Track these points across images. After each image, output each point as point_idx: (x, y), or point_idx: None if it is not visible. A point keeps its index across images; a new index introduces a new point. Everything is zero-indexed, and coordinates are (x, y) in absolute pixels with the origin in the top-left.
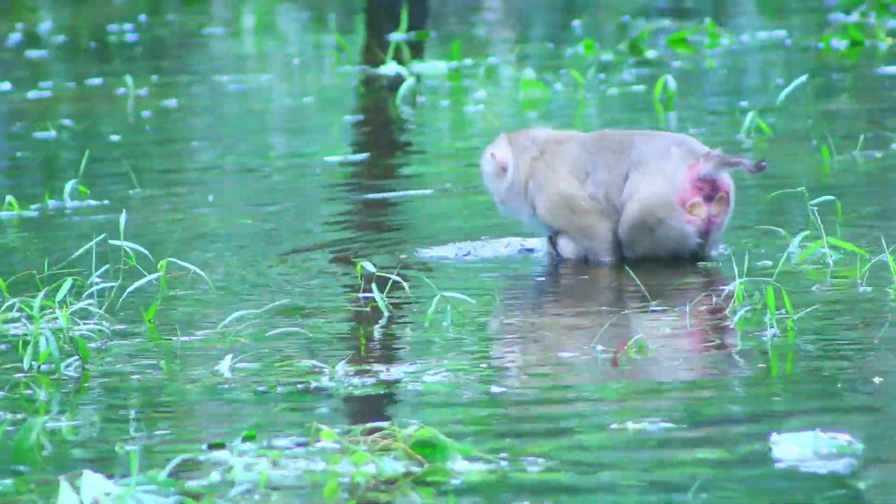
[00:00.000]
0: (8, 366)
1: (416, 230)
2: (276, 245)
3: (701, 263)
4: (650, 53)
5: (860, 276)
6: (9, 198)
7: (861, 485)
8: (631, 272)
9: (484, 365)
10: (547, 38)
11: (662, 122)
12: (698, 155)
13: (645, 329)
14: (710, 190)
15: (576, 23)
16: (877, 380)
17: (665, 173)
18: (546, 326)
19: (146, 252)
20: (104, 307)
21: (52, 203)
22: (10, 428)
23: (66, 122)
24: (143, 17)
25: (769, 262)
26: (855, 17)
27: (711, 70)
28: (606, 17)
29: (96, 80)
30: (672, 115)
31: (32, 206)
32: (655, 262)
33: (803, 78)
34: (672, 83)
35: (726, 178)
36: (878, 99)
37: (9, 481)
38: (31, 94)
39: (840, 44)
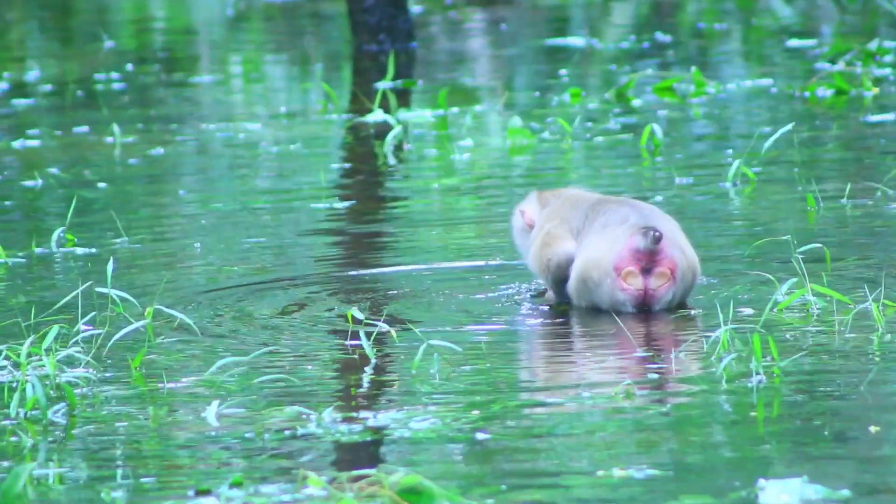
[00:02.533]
0: None
1: (408, 277)
2: (262, 292)
3: (683, 311)
4: (636, 102)
5: (844, 325)
6: None
7: None
8: (617, 319)
9: (471, 412)
10: (533, 87)
11: (648, 170)
12: (646, 222)
13: (631, 375)
14: (647, 262)
15: (562, 71)
16: (873, 429)
17: (609, 238)
18: (532, 372)
19: (133, 300)
20: (91, 354)
21: (38, 250)
22: None
23: (53, 170)
24: (129, 66)
25: (754, 310)
26: (841, 65)
27: (697, 118)
28: (593, 65)
29: (83, 129)
30: (660, 161)
31: (19, 254)
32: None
33: (789, 126)
34: (659, 131)
35: (673, 256)
36: (864, 147)
37: None
38: (18, 144)
39: (826, 92)
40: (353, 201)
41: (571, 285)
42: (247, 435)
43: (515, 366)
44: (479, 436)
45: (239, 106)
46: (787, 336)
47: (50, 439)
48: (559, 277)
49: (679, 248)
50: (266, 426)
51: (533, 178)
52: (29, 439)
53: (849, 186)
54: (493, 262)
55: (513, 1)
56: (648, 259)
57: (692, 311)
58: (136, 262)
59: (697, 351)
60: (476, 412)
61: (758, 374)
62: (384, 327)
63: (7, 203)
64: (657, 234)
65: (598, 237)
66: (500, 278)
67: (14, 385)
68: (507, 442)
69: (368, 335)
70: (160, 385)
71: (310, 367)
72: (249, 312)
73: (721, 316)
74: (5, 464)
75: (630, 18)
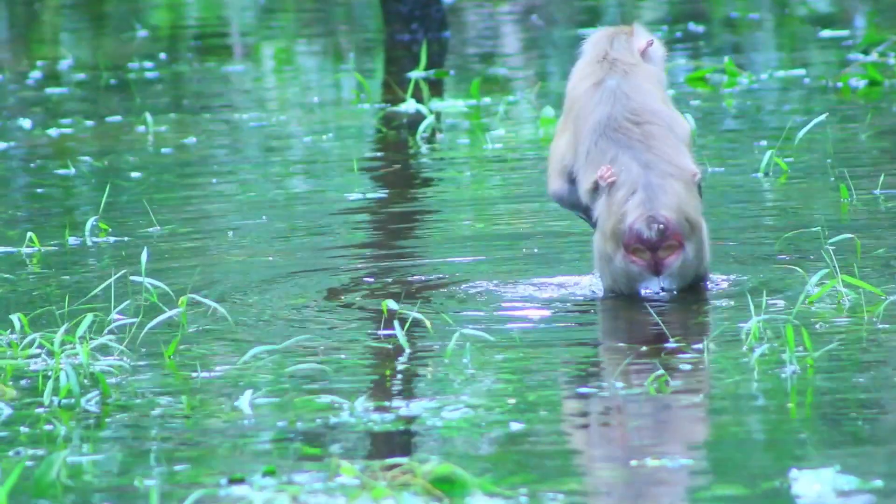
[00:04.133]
0: (29, 401)
1: (442, 265)
2: (295, 281)
3: (712, 304)
4: (669, 92)
5: (876, 315)
6: (29, 234)
7: None
8: (649, 308)
9: (504, 401)
10: (566, 76)
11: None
12: (650, 210)
13: (664, 365)
14: (658, 242)
15: None
16: None
17: (616, 213)
18: (565, 362)
19: (166, 288)
20: (125, 343)
21: (72, 240)
22: (30, 463)
23: (86, 159)
24: (163, 55)
25: (785, 301)
26: (874, 56)
27: (730, 108)
28: None
29: (116, 118)
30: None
31: (52, 242)
32: (672, 299)
33: (822, 117)
34: (691, 121)
35: (677, 227)
36: None
37: None
38: (52, 132)
39: (859, 83)
40: (386, 191)
41: (596, 263)
42: (279, 424)
43: (549, 355)
44: (513, 426)
45: (271, 95)
46: (819, 327)
47: (83, 427)
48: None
49: (681, 212)
50: (299, 415)
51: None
52: (63, 427)
53: (882, 177)
54: (526, 251)
55: None
56: (658, 240)
57: (724, 302)
58: (169, 250)
59: (730, 341)
60: (510, 402)
61: (791, 364)
62: (418, 316)
63: (40, 191)
64: (661, 226)
65: (605, 210)
66: (533, 267)
67: (48, 373)
68: (540, 432)
69: (402, 324)
70: (193, 374)
71: (343, 355)
72: (282, 301)
73: (752, 307)
74: (39, 452)
75: (663, 8)
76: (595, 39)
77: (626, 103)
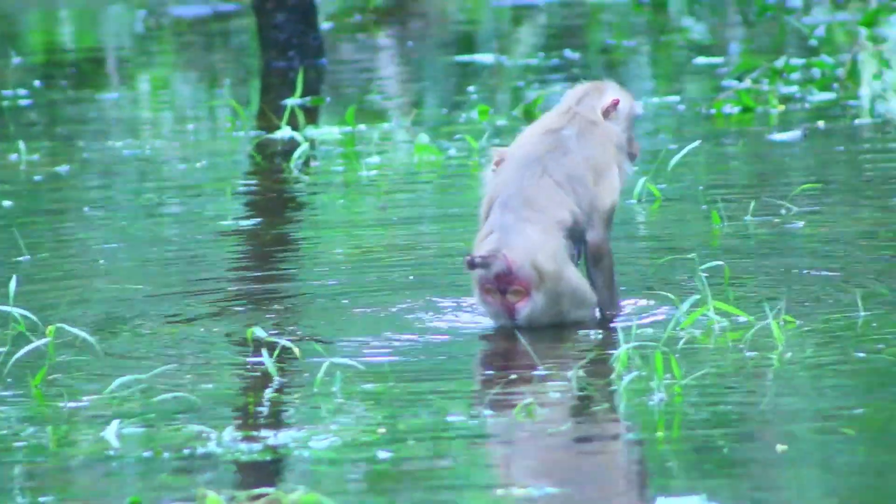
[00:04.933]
0: None
1: (313, 294)
2: (166, 308)
3: (583, 331)
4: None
5: (745, 342)
6: None
7: None
8: (519, 335)
9: (373, 430)
10: (441, 104)
11: None
12: (494, 251)
13: (533, 393)
14: (501, 283)
15: (470, 88)
16: (779, 448)
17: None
18: (434, 390)
19: (34, 318)
20: None
21: None
22: None
23: None
24: (37, 83)
25: (657, 327)
26: (748, 83)
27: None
28: (501, 82)
29: None
30: None
31: None
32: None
33: (695, 143)
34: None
35: (524, 275)
36: (769, 165)
37: None
38: None
39: (732, 110)
40: (260, 217)
41: None
42: (146, 454)
43: (418, 383)
44: (381, 454)
45: (146, 122)
46: (689, 354)
47: None
48: None
49: (533, 261)
50: (166, 445)
51: (440, 194)
52: None
53: (753, 204)
54: (400, 279)
55: (422, 18)
56: (502, 280)
57: (593, 330)
58: (38, 279)
59: (599, 369)
60: (379, 431)
61: (659, 392)
62: (287, 344)
63: None
64: (487, 264)
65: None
66: (406, 295)
67: None
68: (408, 461)
69: (271, 352)
70: (61, 404)
71: (211, 385)
72: (152, 329)
73: (622, 334)
74: None
75: (540, 35)
76: (568, 94)
77: (559, 157)
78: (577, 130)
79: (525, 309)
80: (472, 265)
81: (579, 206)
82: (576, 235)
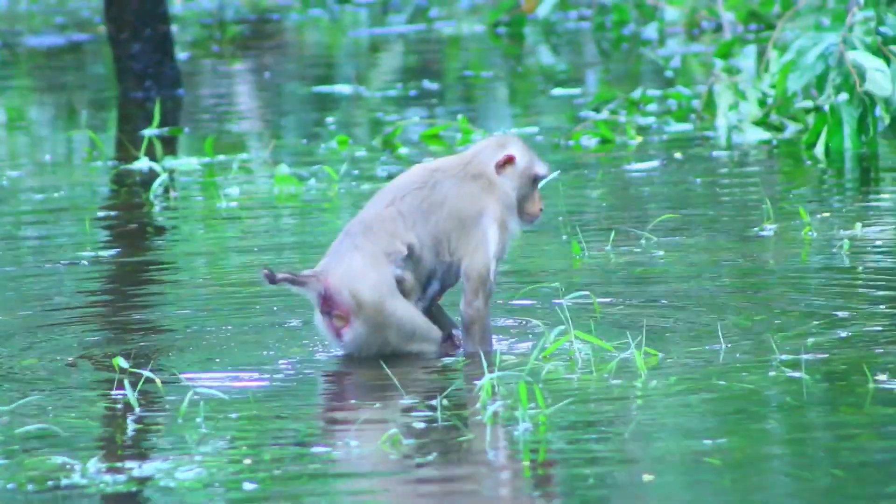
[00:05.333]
0: None
1: (175, 324)
2: (27, 340)
3: (448, 358)
4: (403, 149)
5: (609, 371)
6: None
7: None
8: (384, 365)
9: (238, 461)
10: (301, 134)
11: None
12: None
13: (398, 423)
14: (325, 306)
15: (329, 119)
16: (646, 477)
17: None
18: (299, 419)
19: None
20: None
21: None
22: None
23: None
24: None
25: (520, 357)
26: (605, 114)
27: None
28: (360, 113)
29: None
30: None
31: None
32: (406, 356)
33: (554, 174)
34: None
35: (342, 301)
36: (627, 195)
37: None
38: None
39: (590, 141)
40: (119, 248)
41: None
42: (9, 486)
43: (283, 413)
44: (246, 485)
45: (2, 152)
46: (553, 384)
47: None
48: None
49: (351, 288)
50: (29, 477)
51: (300, 225)
52: None
53: (613, 234)
54: (261, 308)
55: (280, 49)
56: (324, 303)
57: (460, 359)
58: None
59: (464, 398)
60: (245, 461)
61: (524, 421)
62: (149, 375)
63: None
64: (267, 273)
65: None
66: (269, 325)
67: None
68: (274, 491)
69: (134, 384)
70: None
71: (74, 415)
72: (12, 360)
73: (485, 363)
74: None
75: (398, 65)
76: (473, 145)
77: (421, 194)
78: (457, 178)
79: (347, 335)
80: (270, 279)
81: (440, 256)
82: (423, 271)
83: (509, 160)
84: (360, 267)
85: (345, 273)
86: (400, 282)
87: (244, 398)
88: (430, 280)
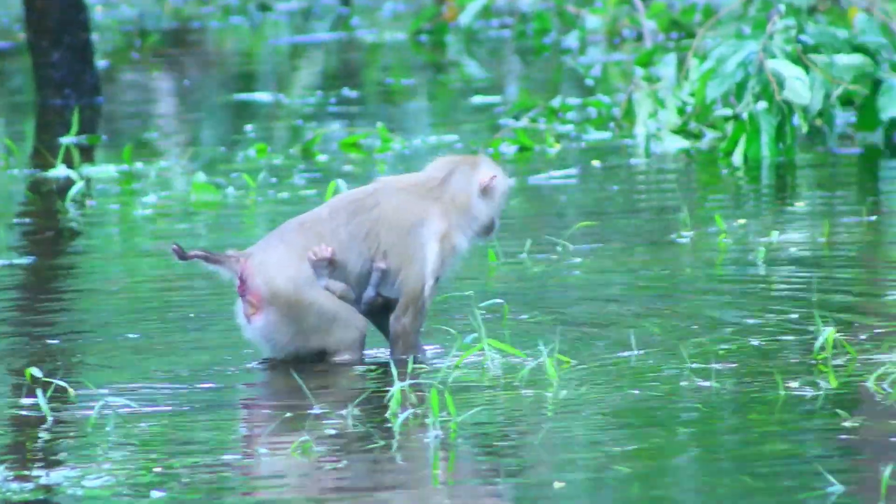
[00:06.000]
0: None
1: (88, 332)
2: None
3: (358, 369)
4: (322, 157)
5: (521, 380)
6: None
7: None
8: (294, 373)
9: (147, 469)
10: (219, 142)
11: None
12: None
13: (309, 430)
14: (241, 290)
15: (248, 126)
16: (557, 485)
17: None
18: (209, 428)
19: None
20: None
21: None
22: None
23: None
24: None
25: (433, 365)
26: (525, 122)
27: (382, 173)
28: (279, 121)
29: None
30: None
31: None
32: (318, 365)
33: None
34: (343, 187)
35: (255, 286)
36: (545, 203)
37: None
38: None
39: (510, 148)
40: (35, 255)
41: None
42: None
43: (194, 421)
44: (155, 494)
45: None
46: (464, 392)
47: None
48: None
49: (267, 278)
50: None
51: (217, 233)
52: None
53: (529, 242)
54: (176, 316)
55: (199, 56)
56: (241, 287)
57: (371, 366)
58: None
59: (375, 407)
60: (154, 470)
61: (435, 429)
62: (60, 383)
63: None
64: (176, 249)
65: None
66: (182, 333)
67: None
68: (183, 500)
69: (44, 392)
70: None
71: None
72: None
73: (395, 371)
74: None
75: (317, 73)
76: (438, 164)
77: (374, 204)
78: (409, 193)
79: (259, 321)
80: (179, 255)
81: (375, 262)
82: (353, 276)
83: (492, 179)
84: (281, 257)
85: (264, 260)
86: (329, 291)
87: (155, 406)
88: (363, 286)
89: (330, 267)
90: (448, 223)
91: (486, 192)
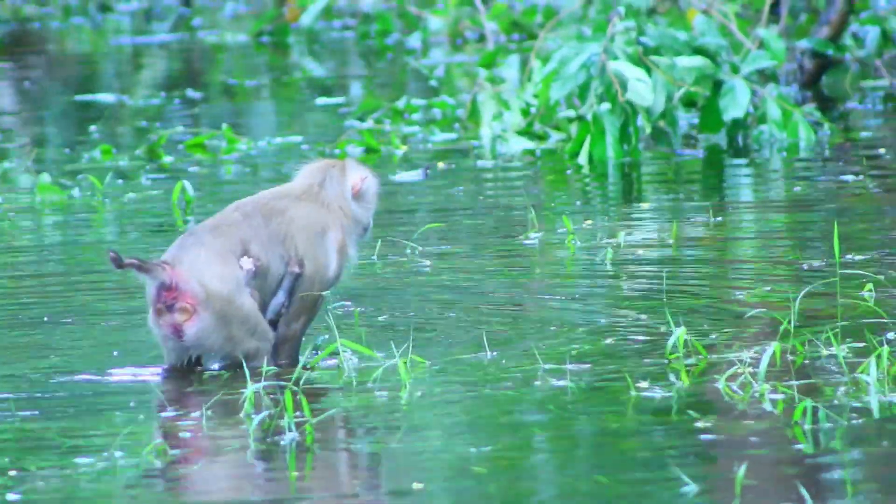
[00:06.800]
0: None
1: None
2: None
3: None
4: (168, 159)
5: (374, 380)
6: None
7: None
8: (150, 380)
9: (2, 472)
10: (63, 143)
11: (180, 226)
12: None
13: (163, 434)
14: (168, 299)
15: (93, 128)
16: (416, 485)
17: None
18: (64, 433)
19: None
20: None
21: None
22: None
23: None
24: None
25: (287, 366)
26: (370, 123)
27: (229, 174)
28: (123, 122)
29: None
30: (190, 219)
31: None
32: (173, 368)
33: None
34: (190, 188)
35: (190, 290)
36: (393, 205)
37: None
38: None
39: (356, 150)
40: None
41: None
42: None
43: (47, 424)
44: (11, 496)
45: None
46: (319, 393)
47: None
48: None
49: (200, 278)
50: None
51: (64, 235)
52: None
53: (379, 243)
54: (30, 315)
55: (41, 56)
56: (168, 294)
57: (224, 369)
58: None
59: (230, 409)
60: (9, 473)
61: (290, 431)
62: None
63: None
64: (113, 256)
65: None
66: (33, 335)
67: None
68: (38, 502)
69: None
70: None
71: None
72: None
73: (248, 373)
74: None
75: (161, 73)
76: (308, 171)
77: (276, 211)
78: (302, 200)
79: (193, 328)
80: (117, 262)
81: (289, 266)
82: (273, 280)
83: (363, 180)
84: (208, 260)
85: (193, 264)
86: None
87: (8, 410)
88: (277, 290)
89: (256, 274)
90: (343, 232)
91: (358, 195)
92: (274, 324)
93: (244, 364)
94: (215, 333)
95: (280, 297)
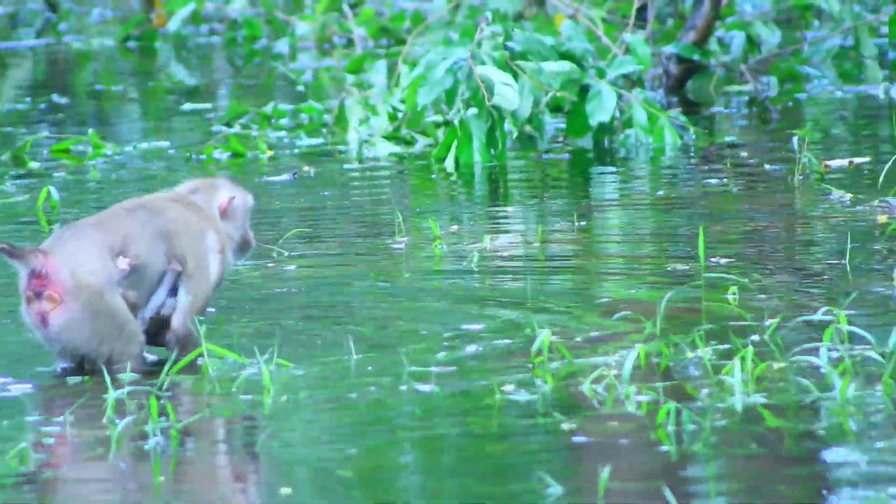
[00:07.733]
0: None
1: None
2: None
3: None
4: (34, 164)
5: (239, 386)
6: None
7: None
8: (6, 384)
9: None
10: None
11: (45, 231)
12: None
13: (26, 439)
14: (38, 286)
15: None
16: (284, 491)
17: None
18: None
19: None
20: None
21: None
22: None
23: None
24: None
25: (151, 372)
26: (237, 128)
27: (95, 180)
28: None
29: None
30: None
31: None
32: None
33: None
34: (55, 193)
35: (58, 279)
36: (259, 210)
37: None
38: None
39: (222, 155)
40: None
41: None
42: None
43: None
44: None
45: None
46: (184, 398)
47: None
48: None
49: (73, 270)
50: None
51: None
52: None
53: (284, 242)
54: None
55: None
56: (38, 281)
57: (79, 375)
58: None
59: (94, 414)
60: None
61: (155, 436)
62: None
63: None
64: (5, 246)
65: None
66: None
67: None
68: None
69: None
70: None
71: None
72: None
73: (108, 378)
74: None
75: (26, 79)
76: (185, 187)
77: (154, 212)
78: (180, 204)
79: (59, 318)
80: (3, 250)
81: (171, 265)
82: (153, 277)
83: (231, 200)
84: (85, 251)
85: (68, 253)
86: (125, 299)
87: None
88: (157, 289)
89: (132, 273)
90: (221, 238)
91: (226, 214)
92: (164, 322)
93: (104, 369)
94: (81, 326)
95: (161, 296)
